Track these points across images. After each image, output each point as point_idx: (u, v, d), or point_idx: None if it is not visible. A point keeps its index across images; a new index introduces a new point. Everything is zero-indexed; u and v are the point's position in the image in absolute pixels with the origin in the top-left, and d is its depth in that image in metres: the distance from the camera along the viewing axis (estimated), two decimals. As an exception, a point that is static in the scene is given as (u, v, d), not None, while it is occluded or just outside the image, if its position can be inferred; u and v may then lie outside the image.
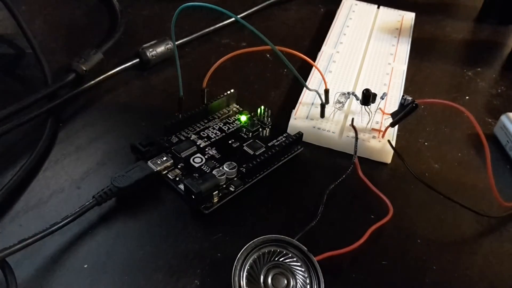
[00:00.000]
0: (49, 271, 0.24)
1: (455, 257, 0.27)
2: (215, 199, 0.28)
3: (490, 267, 0.26)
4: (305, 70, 0.38)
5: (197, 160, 0.30)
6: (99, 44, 0.40)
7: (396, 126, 0.33)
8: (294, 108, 0.34)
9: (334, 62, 0.39)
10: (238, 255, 0.23)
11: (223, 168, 0.29)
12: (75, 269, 0.24)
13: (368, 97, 0.32)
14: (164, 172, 0.29)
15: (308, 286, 0.23)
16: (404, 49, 0.42)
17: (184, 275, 0.24)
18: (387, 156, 0.32)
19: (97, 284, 0.24)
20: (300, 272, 0.24)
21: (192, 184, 0.27)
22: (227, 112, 0.34)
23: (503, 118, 0.35)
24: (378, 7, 0.48)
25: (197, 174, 0.29)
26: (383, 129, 0.32)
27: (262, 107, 0.33)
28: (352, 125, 0.32)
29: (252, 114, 0.34)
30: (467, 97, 0.39)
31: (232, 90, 0.35)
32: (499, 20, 0.51)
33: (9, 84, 0.36)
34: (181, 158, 0.30)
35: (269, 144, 0.32)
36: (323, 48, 0.41)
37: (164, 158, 0.29)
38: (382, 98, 0.33)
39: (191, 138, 0.32)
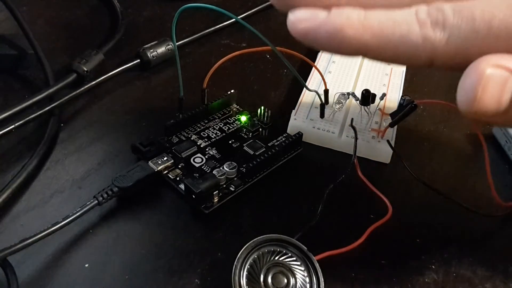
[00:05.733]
0: (50, 270, 0.24)
1: (454, 256, 0.27)
2: (215, 199, 0.28)
3: (489, 267, 0.27)
4: (305, 70, 0.38)
5: (198, 160, 0.30)
6: (100, 45, 0.40)
7: (396, 126, 0.33)
8: (294, 108, 0.34)
9: (334, 63, 0.39)
10: (238, 255, 0.24)
11: (223, 168, 0.29)
12: (76, 269, 0.24)
13: (367, 98, 0.32)
14: (164, 172, 0.29)
15: (308, 285, 0.24)
16: (403, 49, 0.42)
17: (185, 275, 0.25)
18: (386, 156, 0.32)
19: (97, 284, 0.24)
20: (300, 271, 0.24)
21: (192, 183, 0.27)
22: (227, 112, 0.35)
23: (502, 118, 0.35)
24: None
25: (197, 174, 0.29)
26: (382, 129, 0.33)
27: (262, 107, 0.33)
28: (351, 125, 0.32)
29: (252, 114, 0.34)
30: (466, 98, 0.39)
31: (232, 91, 0.35)
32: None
33: (10, 85, 0.36)
34: (181, 158, 0.30)
35: (269, 144, 0.32)
36: (323, 48, 0.41)
37: (165, 158, 0.29)
38: (381, 98, 0.33)
39: (192, 138, 0.32)
